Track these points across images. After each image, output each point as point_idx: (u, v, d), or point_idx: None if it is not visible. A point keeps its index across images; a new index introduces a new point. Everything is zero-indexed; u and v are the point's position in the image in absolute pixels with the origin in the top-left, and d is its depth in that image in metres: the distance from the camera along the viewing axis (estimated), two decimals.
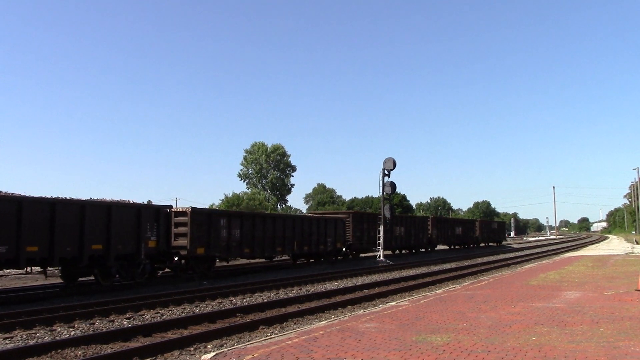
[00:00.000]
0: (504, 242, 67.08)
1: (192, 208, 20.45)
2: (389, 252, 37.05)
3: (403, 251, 40.33)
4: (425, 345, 7.05)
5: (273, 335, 8.90)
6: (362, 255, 35.22)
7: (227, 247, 21.72)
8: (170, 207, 20.24)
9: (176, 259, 19.70)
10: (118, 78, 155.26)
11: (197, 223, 19.96)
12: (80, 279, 17.66)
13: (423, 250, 42.86)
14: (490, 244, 60.77)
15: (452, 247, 51.09)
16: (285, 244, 25.50)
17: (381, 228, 33.51)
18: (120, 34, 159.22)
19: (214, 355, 6.87)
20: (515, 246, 59.92)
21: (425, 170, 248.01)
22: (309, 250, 27.56)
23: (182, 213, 20.05)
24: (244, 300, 14.81)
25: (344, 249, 30.64)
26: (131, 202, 18.70)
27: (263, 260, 28.10)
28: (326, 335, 7.98)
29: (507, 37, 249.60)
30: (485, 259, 33.71)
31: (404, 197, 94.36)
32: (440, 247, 48.10)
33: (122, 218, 17.33)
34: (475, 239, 54.75)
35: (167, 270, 20.94)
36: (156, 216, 18.62)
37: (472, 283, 16.58)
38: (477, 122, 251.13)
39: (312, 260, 29.77)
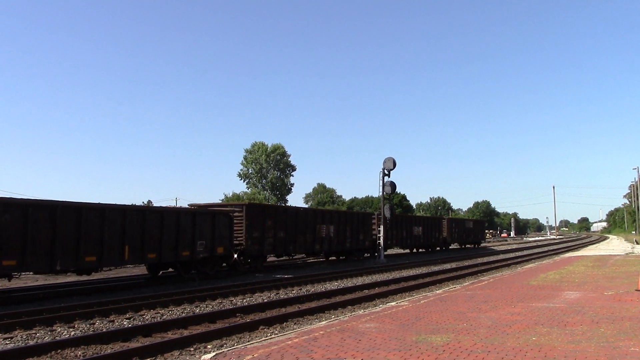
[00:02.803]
0: (482, 244, 58.82)
1: None
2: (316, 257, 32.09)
3: (338, 257, 32.37)
4: (425, 345, 7.05)
5: (273, 336, 8.90)
6: (270, 262, 27.82)
7: None
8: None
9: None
10: (118, 78, 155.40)
11: None
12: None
13: (367, 255, 34.05)
14: (467, 245, 53.54)
15: (411, 250, 42.36)
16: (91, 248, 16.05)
17: (381, 228, 33.48)
18: (120, 34, 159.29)
19: (214, 355, 6.87)
20: (499, 248, 51.96)
21: (425, 170, 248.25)
22: (159, 258, 18.41)
23: None
24: (244, 300, 14.81)
25: (235, 256, 22.06)
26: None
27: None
28: (326, 335, 7.98)
29: (507, 37, 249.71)
30: (486, 259, 33.70)
31: (404, 197, 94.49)
32: (392, 251, 39.96)
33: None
34: (443, 241, 45.98)
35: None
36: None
37: (472, 283, 16.58)
38: (477, 122, 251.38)
39: (168, 272, 21.43)
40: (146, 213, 18.27)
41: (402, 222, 38.47)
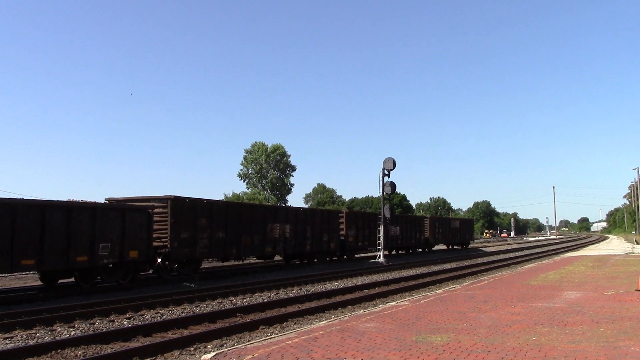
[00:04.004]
0: (472, 245, 55.59)
1: None
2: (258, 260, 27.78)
3: (302, 260, 28.72)
4: (425, 345, 7.05)
5: (273, 335, 8.89)
6: (211, 267, 25.28)
7: None
8: None
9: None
10: (118, 78, 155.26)
11: None
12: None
13: (335, 258, 31.04)
14: (454, 247, 50.15)
15: (390, 252, 38.27)
16: None
17: (381, 228, 33.47)
18: (120, 34, 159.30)
19: (214, 355, 6.87)
20: (490, 250, 48.84)
21: (425, 170, 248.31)
22: (39, 264, 14.80)
23: None
24: (244, 300, 14.81)
25: (159, 261, 18.99)
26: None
27: None
28: (326, 335, 7.98)
29: (507, 37, 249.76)
30: (486, 259, 33.69)
31: (404, 197, 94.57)
32: (372, 254, 36.02)
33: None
34: (425, 242, 42.22)
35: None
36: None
37: (472, 283, 16.58)
38: (477, 122, 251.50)
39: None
40: (18, 208, 14.25)
41: (375, 221, 34.51)
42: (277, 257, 28.35)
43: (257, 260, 28.27)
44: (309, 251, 27.42)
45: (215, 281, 19.87)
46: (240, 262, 26.98)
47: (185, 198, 19.61)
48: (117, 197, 19.66)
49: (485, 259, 33.67)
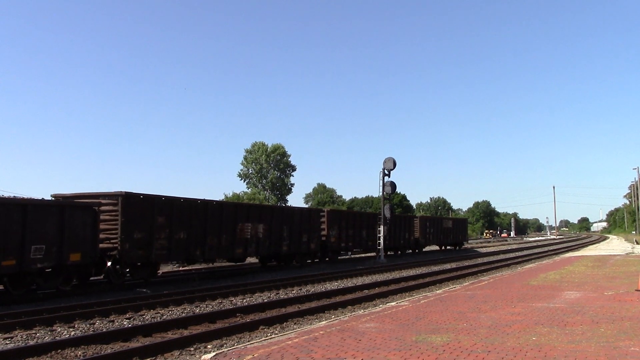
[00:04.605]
0: (466, 245, 53.54)
1: None
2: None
3: (279, 262, 26.69)
4: (425, 345, 7.05)
5: (273, 335, 8.90)
6: (172, 272, 22.95)
7: None
8: None
9: None
10: (118, 78, 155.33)
11: None
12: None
13: (316, 260, 29.07)
14: (447, 247, 48.36)
15: (377, 254, 35.08)
16: None
17: (381, 228, 33.46)
18: (120, 34, 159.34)
19: (214, 355, 6.87)
20: (484, 250, 47.14)
21: (425, 170, 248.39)
22: None
23: None
24: (244, 300, 14.81)
25: (109, 264, 16.95)
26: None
27: None
28: (326, 335, 7.98)
29: (507, 37, 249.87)
30: (486, 259, 33.70)
31: (404, 197, 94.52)
32: (356, 255, 35.21)
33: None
34: (415, 242, 40.35)
35: None
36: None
37: (472, 283, 16.58)
38: (477, 122, 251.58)
39: None
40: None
41: (360, 220, 32.87)
42: (254, 260, 26.89)
43: (228, 263, 25.85)
44: (286, 252, 25.48)
45: (215, 281, 19.87)
46: (211, 265, 25.12)
47: (139, 194, 17.88)
48: (64, 193, 17.92)
49: (485, 259, 33.67)
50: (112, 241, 16.91)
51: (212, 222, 20.59)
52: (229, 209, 22.20)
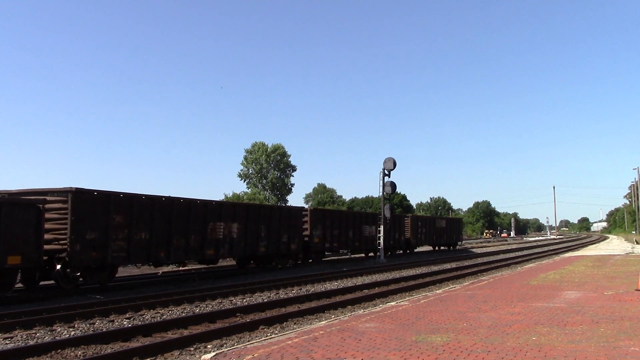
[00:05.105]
0: (461, 246, 51.85)
1: None
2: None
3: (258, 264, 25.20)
4: (425, 345, 7.05)
5: (273, 335, 8.89)
6: (130, 276, 21.20)
7: None
8: None
9: None
10: (118, 78, 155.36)
11: None
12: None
13: (299, 262, 27.46)
14: (441, 248, 46.77)
15: (366, 255, 34.68)
16: None
17: (381, 228, 33.43)
18: (120, 34, 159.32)
19: (214, 355, 6.87)
20: (484, 250, 45.74)
21: (425, 170, 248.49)
22: None
23: None
24: (244, 300, 14.81)
25: (58, 267, 15.72)
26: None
27: None
28: (326, 335, 7.98)
29: (507, 37, 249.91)
30: (486, 259, 33.70)
31: (404, 197, 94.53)
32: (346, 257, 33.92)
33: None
34: (405, 243, 38.84)
35: None
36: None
37: (472, 283, 16.58)
38: (477, 122, 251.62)
39: None
40: None
41: (346, 220, 31.05)
42: (233, 262, 25.80)
43: (204, 265, 23.89)
44: (264, 253, 23.93)
45: (215, 281, 19.87)
46: (179, 268, 23.74)
47: (92, 191, 16.40)
48: (10, 190, 16.60)
49: (485, 259, 33.64)
50: (60, 242, 15.39)
51: (178, 221, 19.12)
52: (198, 207, 20.41)
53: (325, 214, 30.22)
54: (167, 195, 19.25)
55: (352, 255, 35.14)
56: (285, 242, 25.20)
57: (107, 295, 15.45)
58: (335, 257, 33.85)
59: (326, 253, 31.33)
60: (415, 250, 41.66)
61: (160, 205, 18.63)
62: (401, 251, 39.36)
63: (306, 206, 31.51)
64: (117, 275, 21.07)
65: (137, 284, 18.60)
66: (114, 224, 16.71)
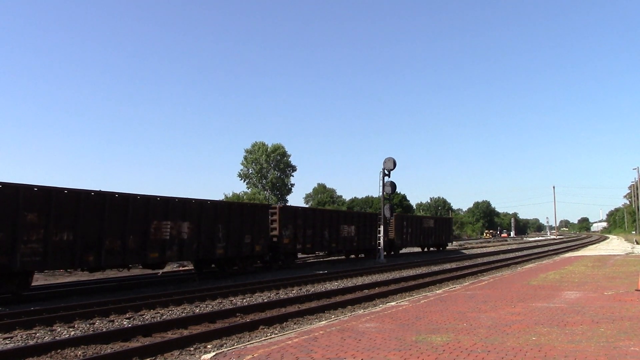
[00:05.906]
0: (448, 247, 49.35)
1: None
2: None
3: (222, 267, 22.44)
4: (425, 345, 7.05)
5: (273, 335, 8.89)
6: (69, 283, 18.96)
7: None
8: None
9: None
10: (118, 78, 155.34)
11: None
12: None
13: (268, 265, 25.27)
14: (430, 249, 44.69)
15: (347, 256, 33.09)
16: None
17: (381, 228, 33.43)
18: (120, 34, 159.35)
19: (214, 355, 6.87)
20: (469, 252, 43.52)
21: (425, 170, 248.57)
22: None
23: None
24: (244, 300, 14.81)
25: None
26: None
27: None
28: (326, 335, 7.98)
29: (507, 37, 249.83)
30: (486, 259, 33.69)
31: (404, 197, 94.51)
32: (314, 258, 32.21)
33: None
34: (389, 244, 36.17)
35: None
36: None
37: (472, 283, 16.58)
38: (477, 122, 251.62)
39: None
40: None
41: (321, 219, 28.58)
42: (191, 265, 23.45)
43: (159, 271, 21.56)
44: (222, 256, 21.35)
45: (216, 281, 19.86)
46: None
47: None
48: None
49: (485, 259, 33.64)
50: None
51: (112, 219, 16.66)
52: (138, 203, 17.71)
53: (297, 212, 27.31)
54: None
55: (329, 258, 33.51)
56: (248, 244, 22.62)
57: (16, 308, 12.90)
58: (314, 260, 31.98)
59: (299, 255, 29.06)
60: (400, 252, 39.27)
61: (88, 201, 16.03)
62: (385, 253, 35.19)
63: (275, 205, 28.99)
64: (116, 276, 21.08)
65: (136, 284, 18.60)
66: (25, 223, 14.29)
